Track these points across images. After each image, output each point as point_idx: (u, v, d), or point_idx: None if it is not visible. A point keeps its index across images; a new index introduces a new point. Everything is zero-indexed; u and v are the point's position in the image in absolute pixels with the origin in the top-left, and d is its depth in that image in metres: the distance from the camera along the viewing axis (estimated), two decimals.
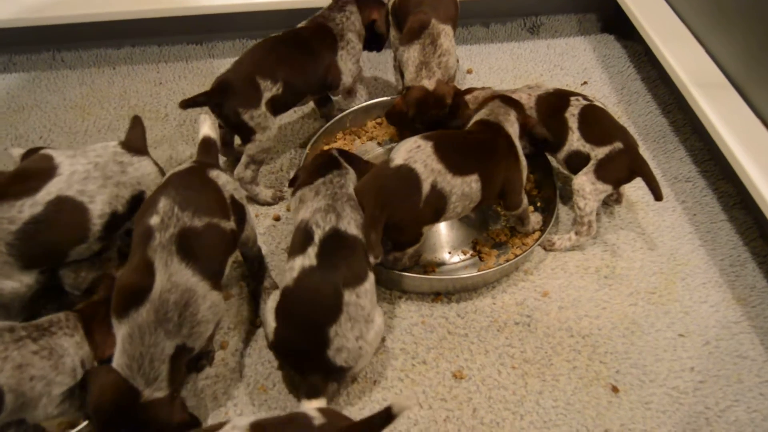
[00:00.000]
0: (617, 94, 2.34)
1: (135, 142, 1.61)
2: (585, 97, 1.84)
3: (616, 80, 2.40)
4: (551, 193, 1.87)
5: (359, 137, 2.12)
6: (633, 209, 1.95)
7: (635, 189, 1.98)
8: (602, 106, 1.84)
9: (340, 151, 1.69)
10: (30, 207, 1.40)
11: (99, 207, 1.47)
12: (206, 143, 1.55)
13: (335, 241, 1.42)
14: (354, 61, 1.97)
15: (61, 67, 2.43)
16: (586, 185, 1.74)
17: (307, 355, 1.38)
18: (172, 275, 1.27)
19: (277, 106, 1.84)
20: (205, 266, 1.32)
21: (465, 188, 1.59)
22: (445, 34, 1.88)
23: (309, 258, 1.40)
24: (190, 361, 1.37)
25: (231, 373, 1.56)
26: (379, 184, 1.56)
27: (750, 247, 1.85)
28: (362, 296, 1.40)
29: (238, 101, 1.74)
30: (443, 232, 1.85)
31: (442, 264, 1.79)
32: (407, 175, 1.55)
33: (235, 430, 1.12)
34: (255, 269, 1.69)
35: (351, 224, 1.46)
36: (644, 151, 2.11)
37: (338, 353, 1.37)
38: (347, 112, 2.09)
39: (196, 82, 2.34)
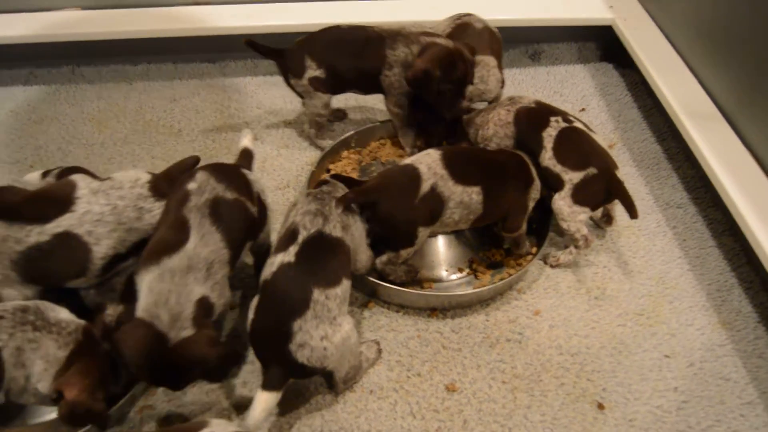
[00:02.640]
0: (614, 121, 2.43)
1: (163, 183, 1.62)
2: (565, 117, 1.85)
3: (613, 108, 2.48)
4: (544, 214, 1.94)
5: (363, 156, 2.20)
6: (624, 233, 2.02)
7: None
8: (582, 127, 1.84)
9: (334, 175, 1.78)
10: (37, 234, 1.45)
11: (103, 250, 1.51)
12: (245, 153, 1.80)
13: (317, 242, 1.49)
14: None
15: (80, 81, 2.54)
16: (564, 208, 1.80)
17: (271, 344, 1.42)
18: (204, 235, 1.44)
19: (320, 86, 2.02)
20: (229, 235, 1.48)
21: (465, 197, 1.68)
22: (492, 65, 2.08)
23: (289, 255, 1.46)
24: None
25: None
26: (383, 175, 1.71)
27: (737, 272, 1.92)
28: (331, 299, 1.44)
29: (287, 67, 2.05)
30: (441, 250, 1.93)
31: (439, 281, 1.86)
32: (410, 172, 1.67)
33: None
34: (261, 264, 1.78)
35: (336, 227, 1.53)
36: (638, 177, 2.19)
37: (300, 349, 1.39)
38: (351, 133, 2.18)
39: (209, 99, 2.44)
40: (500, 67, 2.12)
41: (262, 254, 1.71)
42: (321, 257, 1.47)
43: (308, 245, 1.48)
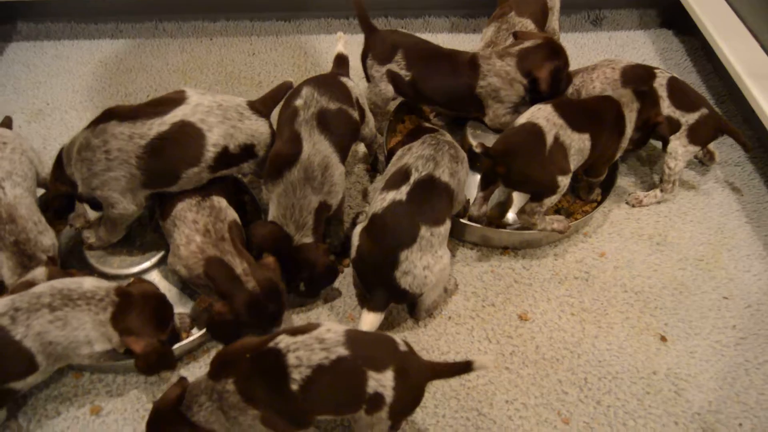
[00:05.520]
0: None
1: (260, 105, 1.77)
2: (664, 70, 2.05)
3: (673, 72, 2.55)
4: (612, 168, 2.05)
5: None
6: (685, 187, 2.13)
7: (687, 170, 2.16)
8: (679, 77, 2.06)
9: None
10: (158, 125, 1.60)
11: (214, 137, 1.64)
12: (339, 58, 1.94)
13: (428, 184, 1.63)
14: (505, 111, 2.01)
15: (162, 35, 2.69)
16: (678, 148, 1.97)
17: (378, 270, 1.58)
18: (315, 143, 1.64)
19: (392, 81, 2.01)
20: (337, 140, 1.68)
21: (581, 144, 1.78)
22: (522, 26, 2.12)
23: (401, 194, 1.61)
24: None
25: (322, 303, 1.79)
26: (505, 140, 1.78)
27: None
28: (435, 236, 1.60)
29: (371, 47, 2.03)
30: (514, 197, 2.04)
31: (510, 224, 1.99)
32: (531, 129, 1.75)
33: (330, 332, 1.29)
34: (373, 150, 2.08)
35: (445, 172, 1.66)
36: None
37: (404, 276, 1.56)
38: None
39: (286, 54, 2.58)
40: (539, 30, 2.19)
41: (369, 143, 2.01)
42: (430, 198, 1.62)
43: (419, 186, 1.62)
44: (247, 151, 1.73)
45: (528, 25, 2.17)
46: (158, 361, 1.47)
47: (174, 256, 1.62)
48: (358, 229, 1.66)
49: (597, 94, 2.03)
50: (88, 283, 1.45)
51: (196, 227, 1.61)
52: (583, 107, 1.84)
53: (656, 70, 2.05)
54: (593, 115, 1.82)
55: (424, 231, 1.58)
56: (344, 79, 1.84)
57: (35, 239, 1.59)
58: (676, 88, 2.01)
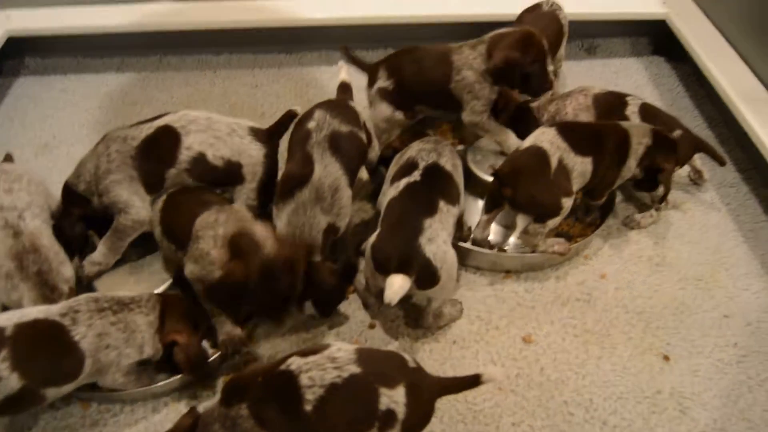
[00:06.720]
0: (667, 109, 2.53)
1: (261, 132, 1.86)
2: (636, 97, 2.12)
3: (666, 97, 2.63)
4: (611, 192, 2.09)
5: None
6: (682, 208, 2.17)
7: (683, 192, 2.21)
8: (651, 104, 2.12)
9: None
10: (147, 129, 1.77)
11: (189, 140, 1.75)
12: (343, 86, 2.01)
13: (436, 171, 1.74)
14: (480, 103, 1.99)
15: (167, 69, 2.75)
16: None
17: (402, 241, 1.57)
18: (327, 165, 1.68)
19: (386, 96, 2.05)
20: (347, 163, 1.72)
21: (583, 167, 1.83)
22: None
23: (414, 177, 1.72)
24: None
25: (328, 329, 1.81)
26: (510, 164, 1.84)
27: None
28: (450, 215, 1.68)
29: (368, 80, 2.12)
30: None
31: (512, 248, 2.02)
32: (536, 153, 1.80)
33: (341, 351, 1.31)
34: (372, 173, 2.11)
35: (448, 163, 1.78)
36: (695, 158, 2.34)
37: (429, 243, 1.58)
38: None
39: (289, 86, 2.64)
40: (551, 53, 2.13)
41: (372, 169, 2.06)
42: (441, 180, 1.73)
43: (429, 170, 1.73)
44: (232, 169, 1.80)
45: None
46: (199, 356, 1.55)
47: (196, 264, 1.59)
48: (372, 238, 1.68)
49: (570, 119, 2.09)
50: (125, 292, 1.57)
51: (219, 230, 1.60)
52: (588, 131, 1.89)
53: (628, 98, 2.11)
54: (597, 139, 1.87)
55: (443, 205, 1.67)
56: (353, 104, 1.91)
57: (57, 269, 1.62)
58: (648, 114, 2.07)
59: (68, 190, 1.81)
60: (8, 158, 1.98)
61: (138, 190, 1.76)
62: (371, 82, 2.11)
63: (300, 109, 1.89)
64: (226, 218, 1.61)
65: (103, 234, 1.80)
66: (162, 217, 1.76)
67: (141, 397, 1.62)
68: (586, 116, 2.11)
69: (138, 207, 1.75)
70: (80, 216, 1.82)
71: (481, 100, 1.97)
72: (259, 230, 1.58)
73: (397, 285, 1.52)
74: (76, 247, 1.82)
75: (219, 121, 1.83)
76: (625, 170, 1.93)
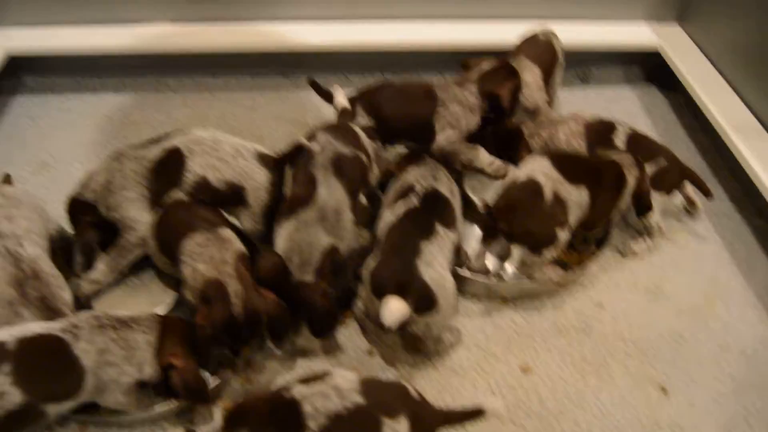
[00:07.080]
0: (660, 138, 2.57)
1: (270, 159, 1.87)
2: (624, 124, 2.16)
3: (659, 125, 2.67)
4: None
5: None
6: (677, 239, 2.19)
7: (677, 221, 2.23)
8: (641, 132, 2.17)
9: None
10: (156, 150, 1.80)
11: (193, 165, 1.78)
12: (344, 111, 2.03)
13: (434, 196, 1.76)
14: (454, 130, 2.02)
15: (165, 90, 2.75)
16: None
17: (399, 263, 1.60)
18: (330, 187, 1.69)
19: (369, 136, 2.03)
20: (350, 185, 1.72)
21: (578, 198, 1.84)
22: (530, 69, 2.20)
23: (413, 202, 1.73)
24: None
25: (325, 356, 1.80)
26: (504, 198, 1.85)
27: None
28: (447, 239, 1.70)
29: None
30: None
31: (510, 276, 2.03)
32: (529, 185, 1.82)
33: (345, 380, 1.32)
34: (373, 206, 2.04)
35: (444, 188, 1.80)
36: (689, 188, 2.37)
37: (426, 267, 1.59)
38: None
39: (286, 108, 2.65)
40: (545, 80, 2.28)
41: (372, 198, 2.01)
42: (439, 205, 1.75)
43: (427, 196, 1.75)
44: (235, 192, 1.81)
45: (535, 70, 2.25)
46: (196, 381, 1.52)
47: (187, 289, 1.65)
48: (370, 263, 1.68)
49: (562, 146, 2.13)
50: (125, 311, 1.55)
51: (202, 258, 1.63)
52: (581, 162, 1.92)
53: (617, 124, 2.16)
54: (591, 170, 1.89)
55: (440, 228, 1.68)
56: (355, 127, 1.93)
57: (57, 294, 1.61)
58: (634, 141, 2.12)
59: (75, 201, 1.83)
60: (7, 179, 1.97)
61: (147, 209, 1.78)
62: (353, 120, 2.06)
63: (296, 136, 1.91)
64: (208, 251, 1.62)
65: (103, 250, 1.81)
66: (157, 232, 1.78)
67: (138, 422, 1.60)
68: (578, 142, 2.14)
69: (147, 225, 1.77)
70: (91, 223, 1.82)
71: (458, 131, 2.00)
72: (233, 282, 1.57)
73: (394, 307, 1.53)
74: (88, 258, 1.82)
75: (226, 143, 1.84)
76: (621, 201, 1.95)
